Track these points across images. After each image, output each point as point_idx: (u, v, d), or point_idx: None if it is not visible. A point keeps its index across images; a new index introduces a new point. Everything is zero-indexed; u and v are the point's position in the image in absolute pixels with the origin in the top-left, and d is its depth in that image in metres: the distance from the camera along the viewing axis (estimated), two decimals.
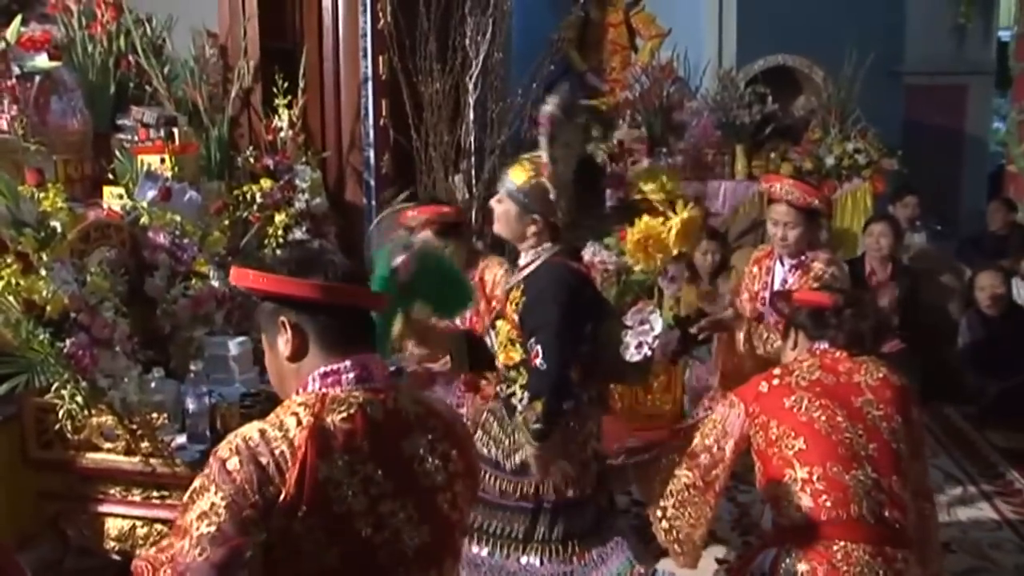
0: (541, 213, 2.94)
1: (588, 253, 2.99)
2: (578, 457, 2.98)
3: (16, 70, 3.73)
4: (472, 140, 5.19)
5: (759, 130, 7.20)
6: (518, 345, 2.97)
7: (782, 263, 3.85)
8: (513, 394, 2.97)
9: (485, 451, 3.02)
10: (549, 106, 2.90)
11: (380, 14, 5.01)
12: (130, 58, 4.52)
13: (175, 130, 4.09)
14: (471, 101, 5.12)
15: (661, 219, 3.66)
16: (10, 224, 2.91)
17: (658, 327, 2.89)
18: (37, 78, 3.79)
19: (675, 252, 3.28)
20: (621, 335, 2.95)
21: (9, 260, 2.82)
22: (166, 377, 3.08)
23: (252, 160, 4.57)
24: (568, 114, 2.96)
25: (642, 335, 2.90)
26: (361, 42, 4.98)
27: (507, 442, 3.01)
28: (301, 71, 4.85)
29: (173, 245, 3.36)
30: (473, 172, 5.22)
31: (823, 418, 2.68)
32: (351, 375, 1.76)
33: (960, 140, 10.44)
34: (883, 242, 5.80)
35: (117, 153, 3.88)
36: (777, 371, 2.87)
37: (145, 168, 3.67)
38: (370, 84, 4.98)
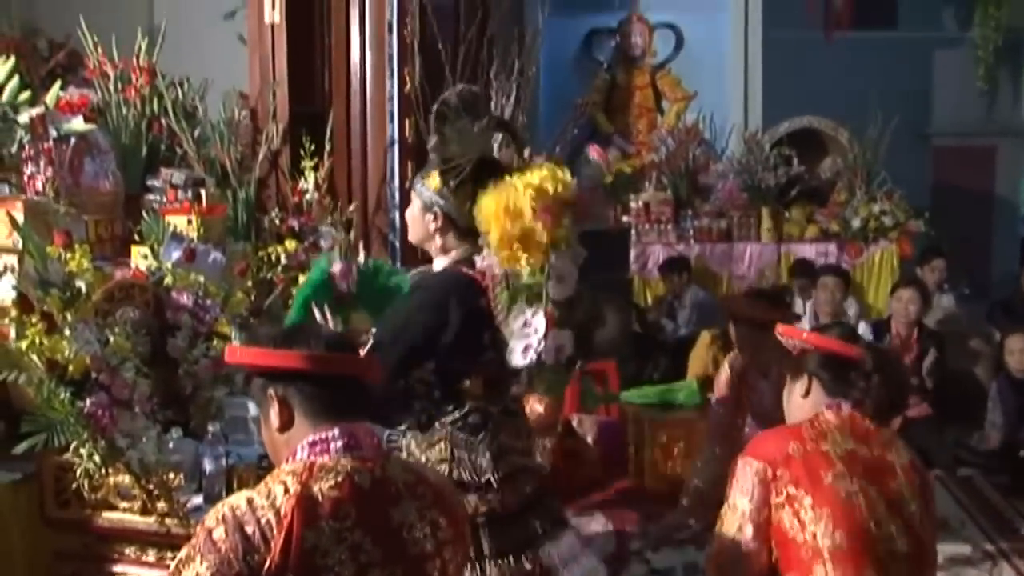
0: (440, 207, 2.83)
1: (479, 260, 2.80)
2: (500, 469, 2.80)
3: (53, 132, 3.84)
4: None
5: (785, 192, 7.23)
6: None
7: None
8: (423, 411, 2.82)
9: None
10: (446, 94, 2.85)
11: (407, 78, 5.09)
12: (162, 120, 4.63)
13: (203, 191, 4.17)
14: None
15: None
16: (37, 284, 2.97)
17: (541, 328, 2.67)
18: (72, 140, 3.89)
19: (537, 244, 2.89)
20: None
21: (34, 320, 2.87)
22: (185, 437, 3.10)
23: (278, 221, 4.63)
24: (468, 107, 2.84)
25: (526, 338, 2.71)
26: (388, 105, 5.07)
27: (422, 459, 2.85)
28: (328, 133, 4.93)
29: (196, 306, 3.39)
30: None
31: (864, 505, 2.25)
32: (339, 443, 1.79)
33: (990, 202, 10.41)
34: (911, 308, 5.76)
35: (145, 214, 3.95)
36: (806, 429, 2.39)
37: (171, 229, 3.73)
38: (396, 147, 5.05)
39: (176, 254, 3.53)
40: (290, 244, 4.50)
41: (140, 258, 3.66)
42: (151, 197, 4.34)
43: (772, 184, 7.08)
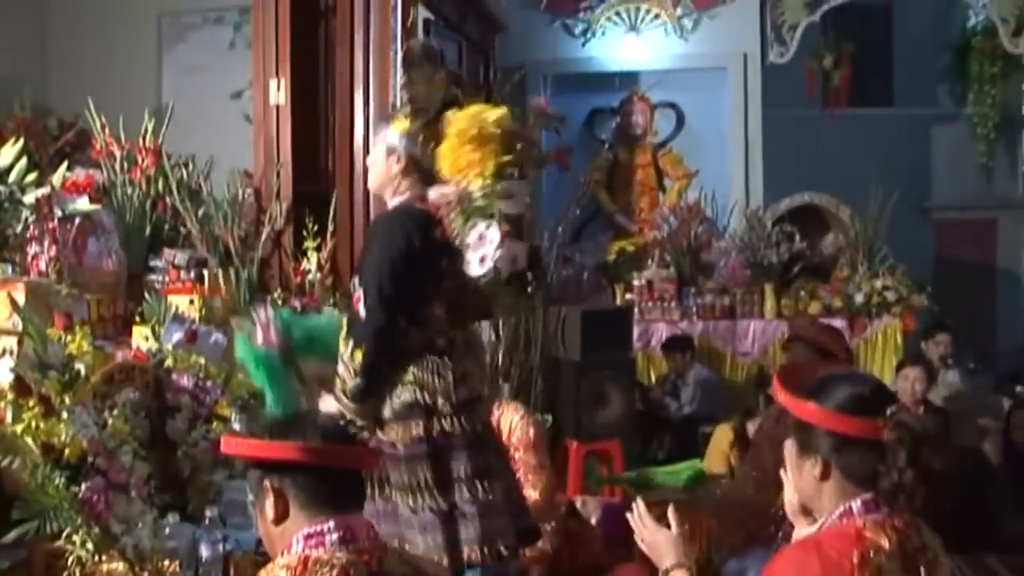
0: (405, 149, 2.93)
1: (432, 192, 2.88)
2: (460, 394, 2.88)
3: (58, 212, 3.87)
4: None
5: (787, 269, 7.24)
6: None
7: None
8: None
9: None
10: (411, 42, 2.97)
11: None
12: (167, 200, 4.67)
13: (205, 272, 4.18)
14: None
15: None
16: (36, 367, 2.96)
17: (496, 238, 2.76)
18: (77, 219, 3.92)
19: (486, 157, 2.89)
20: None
21: (32, 403, 2.85)
22: (183, 521, 3.05)
23: (280, 302, 4.63)
24: (429, 56, 3.00)
25: (481, 248, 2.78)
26: None
27: (388, 389, 2.88)
28: (331, 214, 4.96)
29: (196, 388, 3.38)
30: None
31: None
32: (334, 536, 1.76)
33: (992, 274, 10.44)
34: (918, 387, 5.70)
35: (147, 294, 3.95)
36: (858, 546, 1.92)
37: (173, 310, 3.73)
38: None
39: (177, 335, 3.53)
40: None
41: (141, 339, 3.66)
42: (154, 277, 4.36)
43: (774, 261, 7.10)
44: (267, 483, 1.82)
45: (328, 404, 2.96)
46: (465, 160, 2.85)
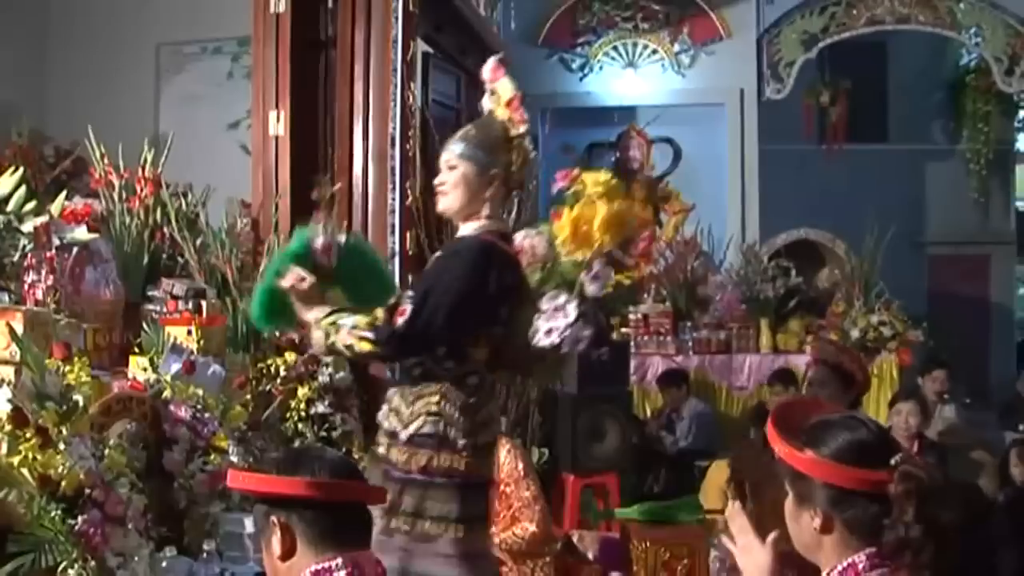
0: (504, 166, 2.87)
1: (519, 236, 2.88)
2: (480, 437, 2.85)
3: (56, 241, 3.86)
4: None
5: (783, 304, 7.25)
6: None
7: None
8: (418, 364, 2.84)
9: (387, 425, 2.91)
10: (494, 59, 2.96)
11: (408, 191, 5.14)
12: (165, 230, 4.65)
13: (203, 302, 4.16)
14: None
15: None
16: (34, 398, 2.93)
17: (572, 316, 2.75)
18: (74, 249, 3.91)
19: (600, 244, 3.04)
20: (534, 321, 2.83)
21: (29, 434, 2.82)
22: (180, 555, 3.02)
23: (278, 334, 4.61)
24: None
25: (554, 321, 2.77)
26: (389, 218, 5.09)
27: (407, 412, 2.86)
28: None
29: (194, 419, 3.36)
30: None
31: None
32: (343, 573, 1.74)
33: (986, 309, 10.50)
34: (911, 421, 5.70)
35: (144, 324, 3.94)
36: None
37: (171, 341, 3.71)
38: (397, 259, 5.06)
39: (176, 366, 3.51)
40: (289, 356, 4.48)
41: (139, 369, 3.64)
42: (151, 307, 4.33)
43: (771, 295, 7.11)
44: (274, 518, 1.80)
45: (301, 310, 2.92)
46: (589, 239, 2.85)
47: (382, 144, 5.11)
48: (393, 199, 5.10)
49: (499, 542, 3.66)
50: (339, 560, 1.76)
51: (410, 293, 2.80)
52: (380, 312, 2.79)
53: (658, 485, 6.24)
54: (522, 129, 2.88)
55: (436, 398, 2.82)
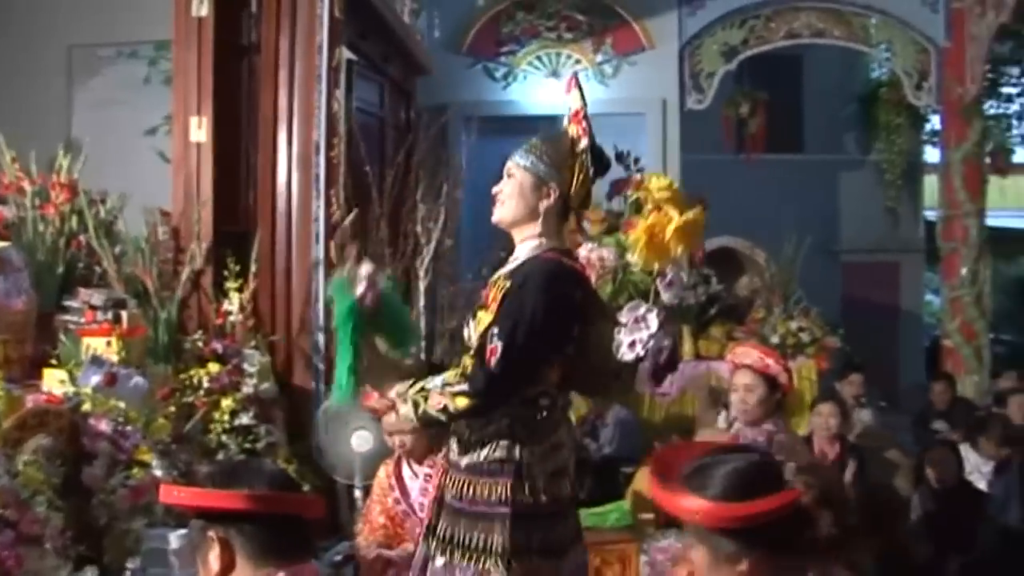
0: (558, 183, 2.73)
1: (585, 250, 2.79)
2: (550, 463, 2.71)
3: None
4: (423, 325, 5.21)
5: (704, 311, 7.34)
6: None
7: (745, 439, 3.84)
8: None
9: (452, 455, 2.78)
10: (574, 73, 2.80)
11: (333, 200, 5.09)
12: (81, 238, 4.52)
13: (123, 312, 4.06)
14: (422, 286, 5.16)
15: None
16: None
17: (654, 326, 2.67)
18: None
19: (675, 253, 3.02)
20: (611, 338, 2.73)
21: None
22: (100, 574, 2.93)
23: (200, 344, 4.52)
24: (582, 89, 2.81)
25: (637, 332, 2.68)
26: (313, 227, 5.03)
27: (473, 438, 2.71)
28: (253, 255, 4.87)
29: (115, 432, 3.27)
30: (423, 357, 5.20)
31: None
32: None
33: (896, 315, 10.78)
34: (832, 422, 5.81)
35: (61, 335, 3.82)
36: None
37: (91, 352, 3.61)
38: (321, 268, 5.00)
39: (96, 378, 3.42)
40: (213, 367, 4.41)
41: (54, 382, 3.53)
42: (67, 317, 4.20)
43: (692, 302, 7.20)
44: (211, 533, 1.75)
45: (391, 392, 2.79)
46: (665, 247, 2.79)
47: (306, 151, 5.06)
48: (317, 207, 5.04)
49: None
50: (280, 574, 1.73)
51: (495, 331, 2.61)
52: (467, 360, 2.66)
53: (583, 492, 6.24)
54: (582, 144, 2.73)
55: (507, 421, 2.68)
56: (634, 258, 2.95)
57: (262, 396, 4.54)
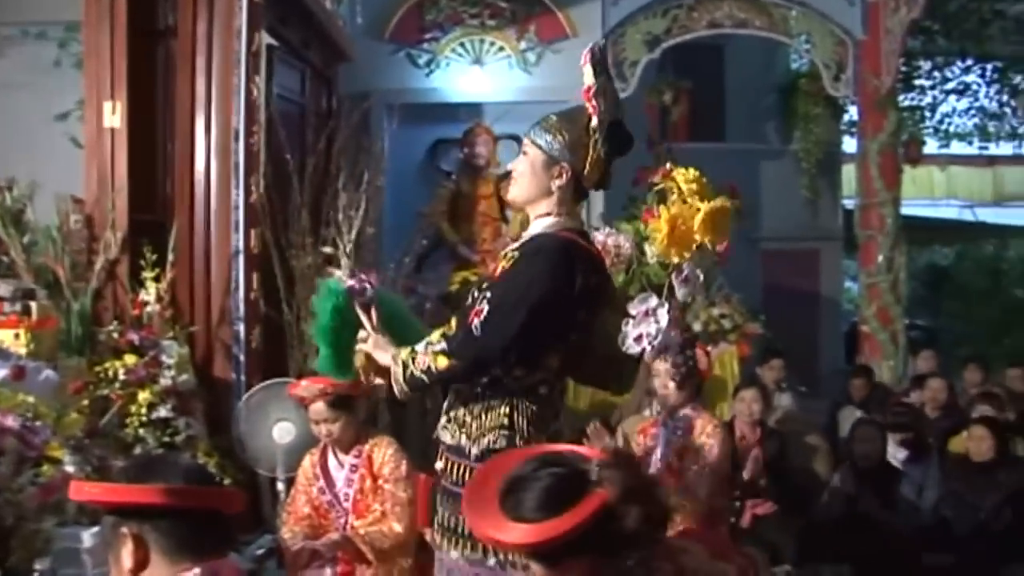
0: (570, 162, 2.63)
1: (601, 235, 2.64)
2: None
3: None
4: None
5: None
6: None
7: (666, 427, 3.87)
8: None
9: (451, 439, 2.70)
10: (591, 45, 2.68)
11: (253, 188, 5.00)
12: None
13: (32, 304, 3.94)
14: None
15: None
16: None
17: (664, 322, 2.57)
18: None
19: (699, 242, 2.92)
20: (618, 329, 2.63)
21: None
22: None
23: (116, 335, 4.41)
24: (605, 63, 2.67)
25: (645, 326, 2.58)
26: (233, 215, 4.94)
27: (474, 426, 2.66)
28: (171, 244, 4.77)
29: (23, 428, 3.16)
30: None
31: None
32: None
33: (816, 301, 10.98)
34: (755, 408, 5.90)
35: None
36: None
37: None
38: (241, 257, 4.91)
39: (3, 372, 3.31)
40: (129, 359, 4.31)
41: None
42: None
43: None
44: (124, 530, 1.70)
45: (383, 354, 2.71)
46: (688, 239, 2.68)
47: (225, 138, 4.96)
48: (236, 195, 4.95)
49: (364, 534, 3.61)
50: (197, 570, 1.68)
51: (487, 293, 2.55)
52: (453, 320, 2.61)
53: None
54: (594, 122, 2.60)
55: (506, 409, 2.61)
56: (652, 248, 2.82)
57: (181, 388, 4.45)
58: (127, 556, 1.69)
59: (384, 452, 3.71)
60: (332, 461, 3.78)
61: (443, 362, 2.55)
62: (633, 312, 2.63)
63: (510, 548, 1.86)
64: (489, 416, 2.63)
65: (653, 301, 2.64)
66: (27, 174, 4.79)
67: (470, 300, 2.68)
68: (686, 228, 2.77)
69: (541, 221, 2.69)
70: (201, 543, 1.72)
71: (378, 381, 3.04)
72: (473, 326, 2.51)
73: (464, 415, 2.68)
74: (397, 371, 2.64)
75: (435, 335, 2.61)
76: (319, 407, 3.65)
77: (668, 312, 2.64)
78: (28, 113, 6.15)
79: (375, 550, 3.59)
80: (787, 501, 5.48)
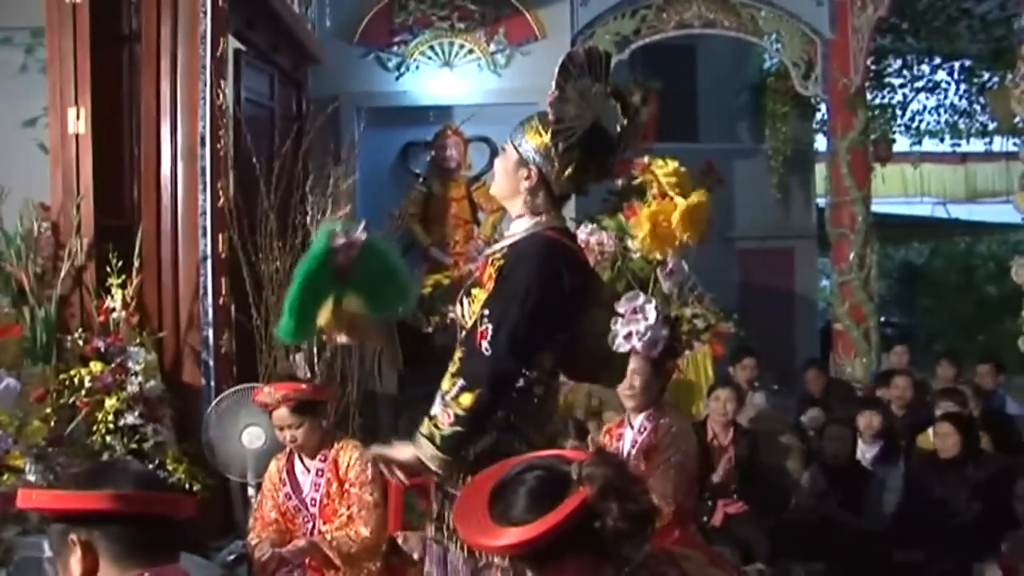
0: (539, 166, 2.60)
1: (584, 233, 2.61)
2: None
3: None
4: None
5: None
6: None
7: (631, 425, 3.86)
8: None
9: None
10: (575, 48, 2.64)
11: (220, 192, 4.98)
12: None
13: None
14: None
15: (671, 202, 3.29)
16: None
17: (652, 318, 2.61)
18: None
19: (681, 239, 2.87)
20: (607, 326, 2.62)
21: None
22: None
23: (81, 342, 4.39)
24: (593, 66, 2.61)
25: (633, 324, 2.62)
26: (200, 220, 4.91)
27: None
28: (136, 249, 4.74)
29: None
30: (315, 351, 5.14)
31: None
32: None
33: (791, 299, 11.03)
34: (729, 407, 5.91)
35: None
36: None
37: None
38: (209, 262, 4.89)
39: None
40: (95, 366, 4.29)
41: None
42: None
43: None
44: (73, 537, 1.69)
45: (402, 452, 2.56)
46: (670, 235, 2.64)
47: (191, 143, 4.94)
48: (204, 200, 4.93)
49: (331, 540, 3.60)
50: (146, 574, 1.68)
51: (486, 312, 2.51)
52: (456, 357, 2.51)
53: None
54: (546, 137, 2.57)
55: (503, 412, 2.56)
56: (635, 244, 2.80)
57: (148, 395, 4.43)
58: (75, 563, 1.68)
59: (350, 455, 3.71)
60: (298, 466, 3.78)
61: (467, 399, 2.45)
62: (621, 310, 2.66)
63: (501, 552, 1.87)
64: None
65: (640, 299, 2.66)
66: None
67: (460, 309, 2.68)
68: (667, 225, 2.77)
69: (519, 222, 2.69)
70: (151, 548, 1.71)
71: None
72: (483, 348, 2.47)
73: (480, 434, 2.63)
74: (427, 450, 2.49)
75: (444, 385, 2.51)
76: (282, 413, 3.64)
77: (656, 308, 2.64)
78: None
79: (342, 555, 3.59)
80: (759, 500, 5.51)
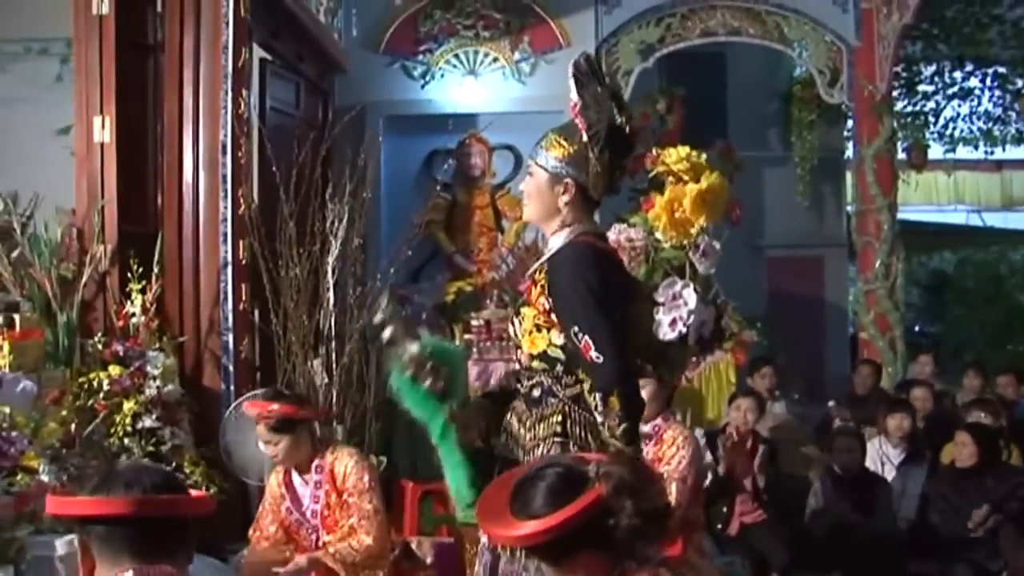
0: (574, 176, 2.69)
1: (613, 232, 2.69)
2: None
3: None
4: (331, 324, 5.21)
5: None
6: (544, 332, 2.70)
7: None
8: (536, 385, 2.69)
9: (510, 455, 2.73)
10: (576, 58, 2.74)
11: (241, 199, 5.06)
12: None
13: (15, 316, 4.00)
14: (330, 286, 5.16)
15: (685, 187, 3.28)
16: None
17: (692, 301, 2.65)
18: None
19: (698, 221, 2.87)
20: (651, 318, 2.69)
21: None
22: None
23: (101, 346, 4.48)
24: (593, 71, 2.73)
25: (675, 310, 2.66)
26: (221, 227, 5.00)
27: (527, 437, 2.71)
28: (156, 255, 4.83)
29: (0, 438, 3.22)
30: (333, 356, 5.20)
31: None
32: None
33: (821, 308, 10.95)
34: (749, 417, 5.88)
35: None
36: None
37: None
38: (230, 269, 4.97)
39: None
40: (114, 369, 4.36)
41: None
42: None
43: None
44: (75, 538, 1.87)
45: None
46: (687, 221, 2.69)
47: (213, 151, 5.03)
48: (225, 207, 5.01)
49: (333, 552, 3.64)
50: (129, 573, 1.76)
51: (573, 330, 2.60)
52: (583, 378, 2.63)
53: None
54: (584, 137, 2.66)
55: (559, 418, 2.66)
56: (660, 235, 2.82)
57: (166, 399, 4.50)
58: (80, 563, 1.83)
59: (346, 464, 3.72)
60: (296, 479, 3.81)
61: (615, 402, 2.55)
62: (661, 299, 2.64)
63: (517, 544, 1.97)
64: (542, 426, 2.68)
65: (678, 284, 2.69)
66: (30, 188, 4.88)
67: (512, 329, 2.77)
68: (683, 210, 2.77)
69: (558, 236, 2.75)
70: (141, 546, 1.78)
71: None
72: (595, 358, 2.56)
73: (518, 427, 2.75)
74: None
75: (591, 400, 2.62)
76: (261, 429, 3.69)
77: (695, 290, 2.65)
78: (31, 128, 6.25)
79: (346, 565, 3.59)
80: (778, 509, 5.49)
